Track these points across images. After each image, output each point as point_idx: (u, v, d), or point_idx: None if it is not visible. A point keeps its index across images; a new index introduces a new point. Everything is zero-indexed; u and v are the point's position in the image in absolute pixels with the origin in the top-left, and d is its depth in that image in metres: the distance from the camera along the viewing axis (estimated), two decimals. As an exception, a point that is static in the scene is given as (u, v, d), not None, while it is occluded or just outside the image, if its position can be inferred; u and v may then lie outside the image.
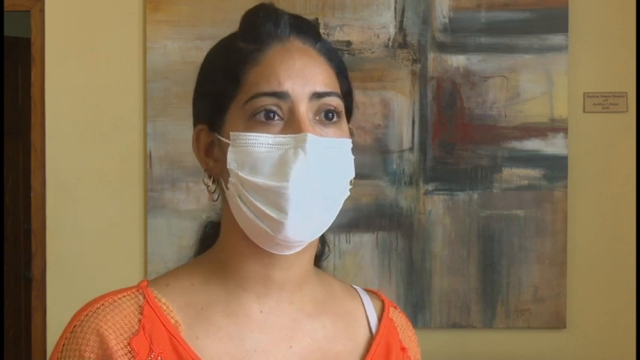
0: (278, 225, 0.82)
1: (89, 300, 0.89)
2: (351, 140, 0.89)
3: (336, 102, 0.86)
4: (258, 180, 0.82)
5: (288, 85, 0.83)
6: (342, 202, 0.87)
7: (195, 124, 0.92)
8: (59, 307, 2.78)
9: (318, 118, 0.85)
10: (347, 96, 0.91)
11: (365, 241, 2.73)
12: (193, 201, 2.73)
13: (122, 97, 2.79)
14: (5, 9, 2.82)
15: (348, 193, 0.88)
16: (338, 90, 0.88)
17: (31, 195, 2.89)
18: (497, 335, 2.76)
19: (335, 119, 0.86)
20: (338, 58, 0.91)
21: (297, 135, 0.82)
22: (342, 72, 0.91)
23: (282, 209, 0.81)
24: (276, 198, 0.81)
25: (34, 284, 2.89)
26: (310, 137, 0.81)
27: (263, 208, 0.82)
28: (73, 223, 2.80)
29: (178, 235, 2.72)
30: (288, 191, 0.80)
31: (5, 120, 3.69)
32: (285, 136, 0.82)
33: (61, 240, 2.80)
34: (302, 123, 0.82)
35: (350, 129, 0.91)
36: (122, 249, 2.78)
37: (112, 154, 2.79)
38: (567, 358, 2.75)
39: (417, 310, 2.74)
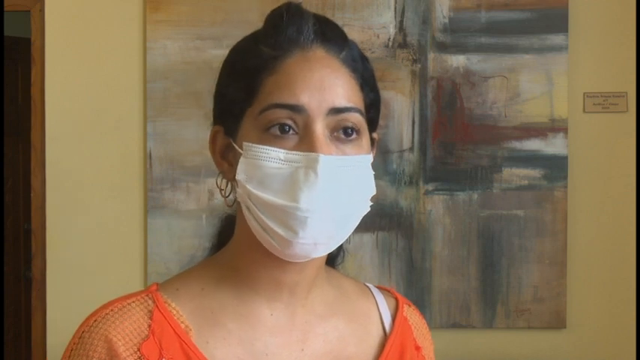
0: (287, 243, 0.80)
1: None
2: (371, 154, 0.85)
3: (356, 118, 0.82)
4: (266, 195, 0.79)
5: (305, 99, 0.79)
6: (359, 218, 0.84)
7: (213, 123, 0.89)
8: (59, 307, 2.78)
9: (335, 134, 0.81)
10: (372, 107, 0.87)
11: (365, 241, 2.73)
12: (193, 201, 2.73)
13: (122, 97, 2.78)
14: (5, 9, 2.82)
15: (368, 209, 0.85)
16: (359, 104, 0.83)
17: (31, 195, 2.89)
18: (497, 335, 2.76)
19: (354, 136, 0.82)
20: (364, 68, 0.86)
21: (309, 154, 0.78)
22: (367, 82, 0.86)
23: (291, 228, 0.79)
24: (285, 217, 0.79)
25: (34, 284, 2.89)
26: (322, 158, 0.78)
27: (271, 224, 0.80)
28: (73, 223, 2.79)
29: (178, 235, 2.72)
30: (298, 212, 0.78)
31: (5, 120, 3.69)
32: (297, 153, 0.79)
33: (61, 240, 2.80)
34: (316, 141, 0.78)
35: (373, 139, 0.87)
36: (122, 249, 2.78)
37: (112, 154, 2.79)
38: (567, 358, 2.75)
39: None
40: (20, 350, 3.98)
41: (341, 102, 0.81)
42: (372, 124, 0.88)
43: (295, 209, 0.78)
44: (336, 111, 0.81)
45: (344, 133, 0.81)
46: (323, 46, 0.83)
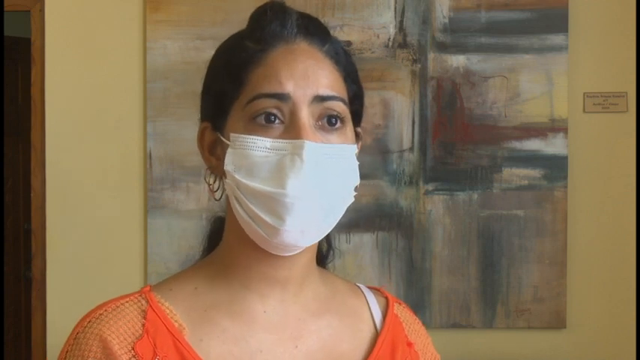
0: (274, 230, 0.81)
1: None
2: (356, 145, 0.87)
3: (340, 107, 0.84)
4: (254, 184, 0.81)
5: (290, 87, 0.82)
6: (344, 208, 0.86)
7: (201, 120, 0.91)
8: (59, 307, 2.78)
9: (320, 123, 0.83)
10: (356, 99, 0.89)
11: (365, 241, 2.73)
12: (193, 201, 2.73)
13: (122, 97, 2.79)
14: (5, 9, 2.82)
15: (352, 200, 0.86)
16: (343, 94, 0.86)
17: (31, 195, 2.89)
18: (497, 335, 2.76)
19: (338, 125, 0.84)
20: (347, 61, 0.89)
21: (295, 141, 0.80)
22: (350, 75, 0.89)
23: (278, 215, 0.80)
24: (272, 204, 0.80)
25: (34, 284, 2.89)
26: (308, 144, 0.80)
27: (259, 212, 0.81)
28: (73, 223, 2.80)
29: (178, 235, 2.72)
30: (285, 198, 0.79)
31: (5, 120, 3.69)
32: (283, 141, 0.81)
33: (61, 240, 2.80)
34: (301, 128, 0.81)
35: (358, 132, 0.90)
36: (122, 249, 2.78)
37: (112, 154, 2.79)
38: (567, 358, 2.75)
39: (417, 310, 2.73)
40: (20, 350, 3.98)
41: (325, 90, 0.83)
42: (357, 117, 0.90)
43: (282, 195, 0.79)
44: (321, 99, 0.83)
45: (328, 121, 0.84)
46: (306, 39, 0.86)
